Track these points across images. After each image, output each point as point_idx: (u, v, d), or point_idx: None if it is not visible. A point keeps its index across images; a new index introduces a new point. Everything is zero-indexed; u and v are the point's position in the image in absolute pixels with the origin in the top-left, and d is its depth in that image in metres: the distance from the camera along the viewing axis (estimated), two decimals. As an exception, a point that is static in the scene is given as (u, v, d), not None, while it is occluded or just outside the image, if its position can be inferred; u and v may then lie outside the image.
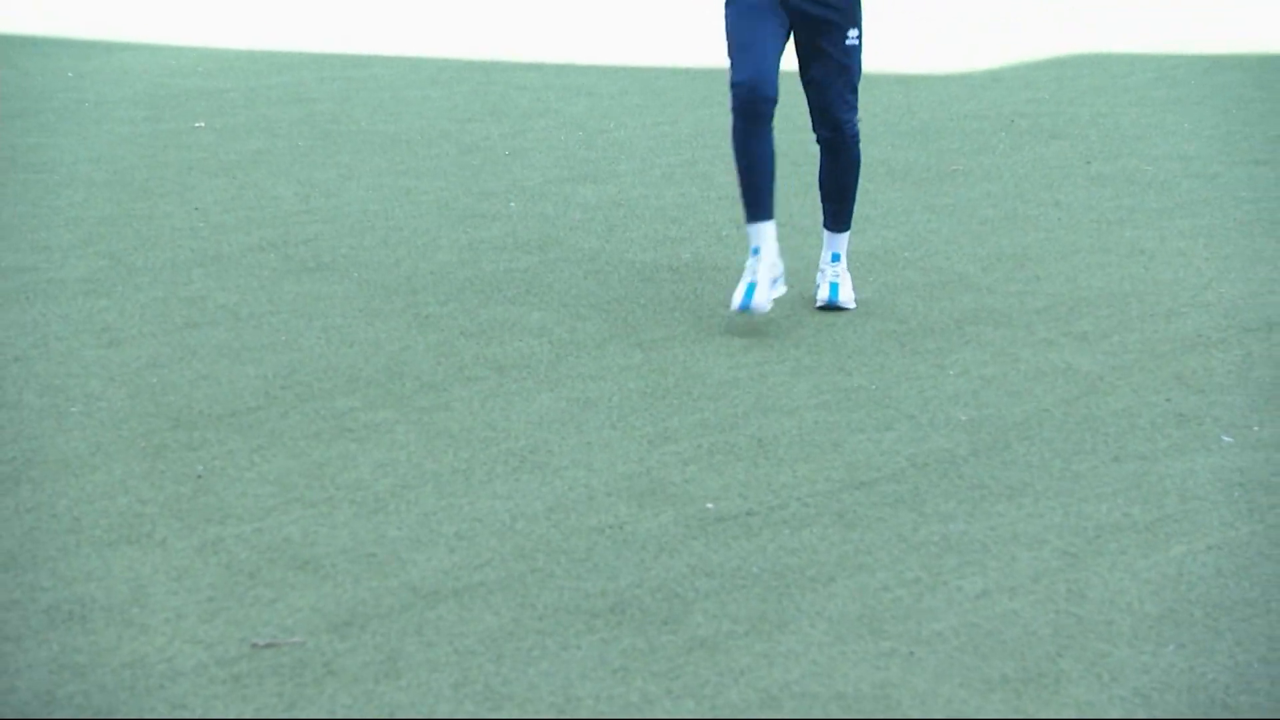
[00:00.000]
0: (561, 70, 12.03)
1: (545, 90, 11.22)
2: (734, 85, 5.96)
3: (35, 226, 7.84)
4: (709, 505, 4.58)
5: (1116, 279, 6.55)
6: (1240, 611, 3.90)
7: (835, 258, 6.28)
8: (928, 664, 3.71)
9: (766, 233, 6.00)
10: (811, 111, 6.16)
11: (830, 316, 6.20)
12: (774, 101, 5.94)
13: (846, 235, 6.33)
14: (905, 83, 11.19)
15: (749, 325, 6.04)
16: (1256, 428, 5.00)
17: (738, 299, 5.97)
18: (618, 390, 5.50)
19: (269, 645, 3.85)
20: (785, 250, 6.20)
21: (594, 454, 4.97)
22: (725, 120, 9.58)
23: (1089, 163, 8.54)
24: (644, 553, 4.29)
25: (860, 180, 6.25)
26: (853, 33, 6.04)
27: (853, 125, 6.12)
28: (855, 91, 6.13)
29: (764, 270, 5.96)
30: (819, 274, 6.30)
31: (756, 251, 6.00)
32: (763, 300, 5.92)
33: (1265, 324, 5.94)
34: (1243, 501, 4.49)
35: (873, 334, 6.00)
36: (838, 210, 6.30)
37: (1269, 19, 13.21)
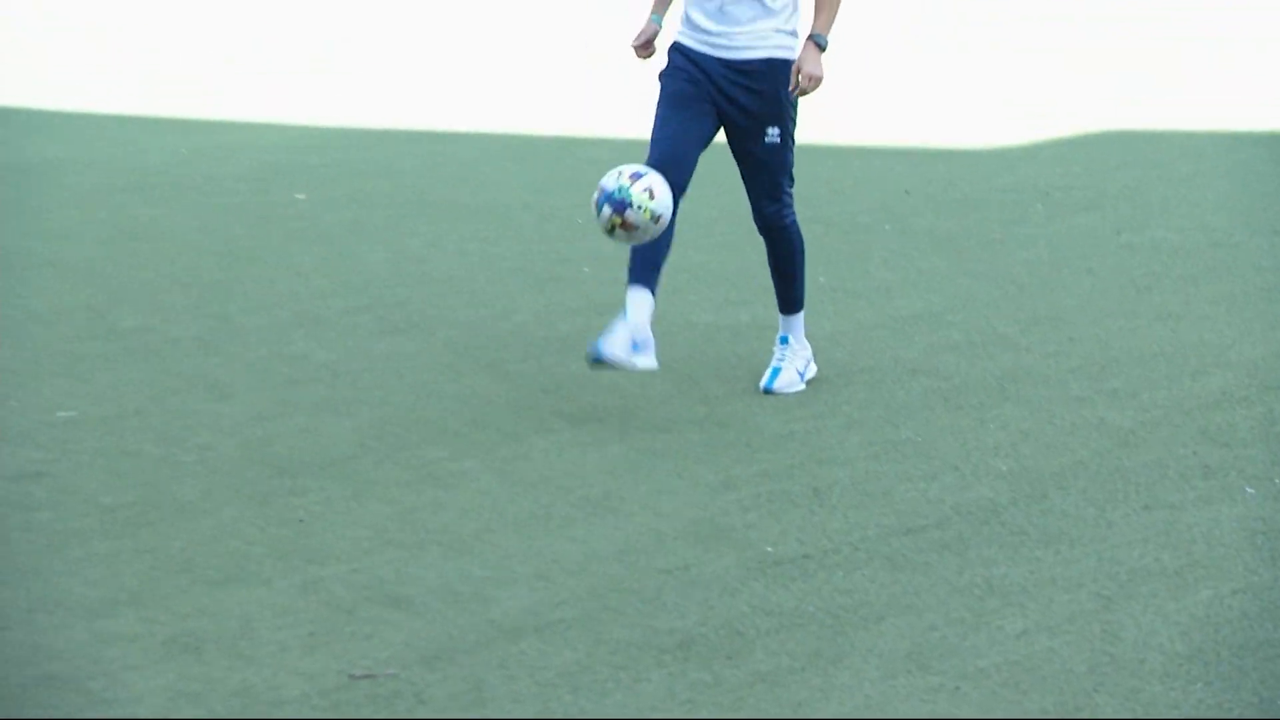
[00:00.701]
0: (631, 145, 12.03)
1: (619, 162, 11.22)
2: (648, 160, 5.83)
3: (152, 290, 7.90)
4: (768, 549, 4.58)
5: (1145, 340, 6.52)
6: (1265, 651, 3.87)
7: (783, 340, 6.04)
8: (972, 698, 3.70)
9: (639, 300, 5.77)
10: (751, 208, 6.00)
11: (879, 374, 6.18)
12: (680, 189, 5.74)
13: (797, 317, 6.06)
14: (947, 157, 11.18)
15: (809, 388, 6.05)
16: (1278, 480, 4.96)
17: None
18: (682, 442, 5.50)
19: (365, 677, 3.87)
20: (835, 312, 6.19)
21: (661, 500, 4.98)
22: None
23: (1119, 233, 8.50)
24: (708, 593, 4.29)
25: (805, 264, 6.01)
26: (773, 131, 5.80)
27: (782, 217, 5.90)
28: (782, 185, 5.89)
29: (625, 331, 5.70)
30: (617, 322, 5.80)
31: (780, 342, 6.04)
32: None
33: (1285, 383, 5.92)
34: (1266, 549, 4.46)
35: (919, 390, 5.99)
36: (784, 294, 6.06)
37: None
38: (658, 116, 5.87)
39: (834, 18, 5.80)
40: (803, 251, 6.01)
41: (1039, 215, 9.02)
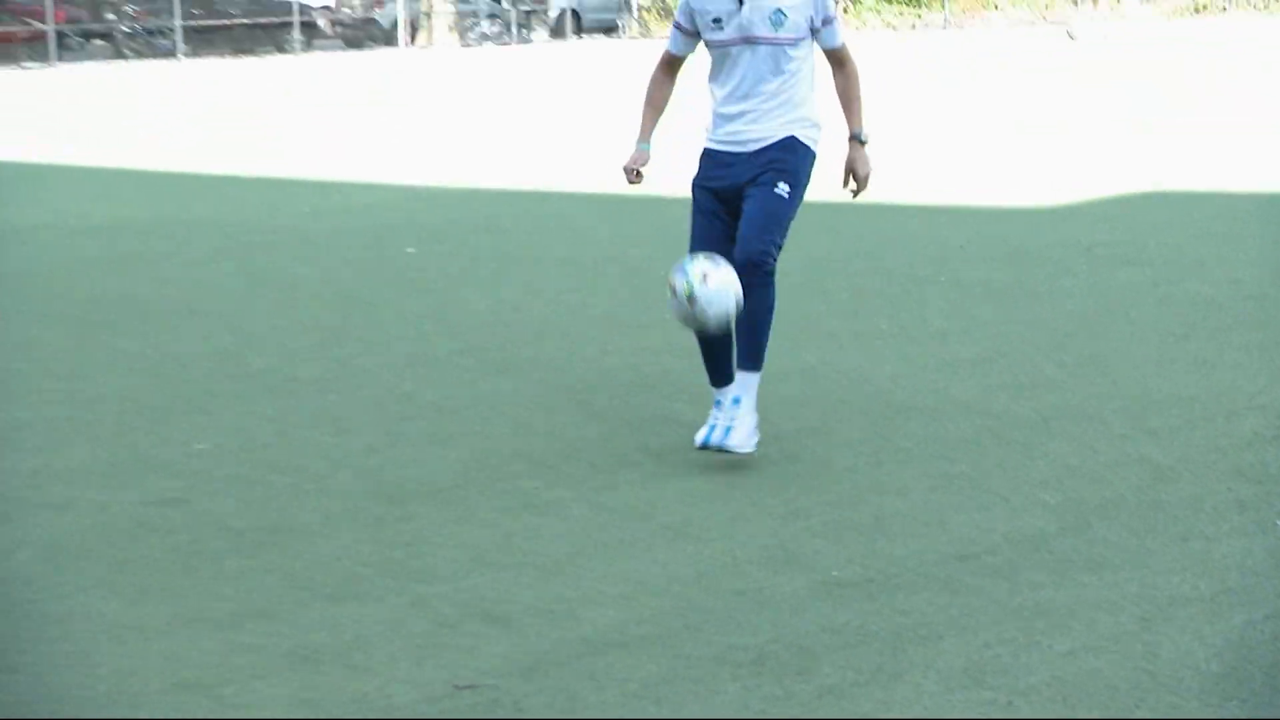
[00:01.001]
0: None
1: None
2: None
3: (279, 335, 7.99)
4: (834, 573, 4.56)
5: (1182, 385, 6.46)
6: (1293, 672, 3.82)
7: (736, 401, 5.55)
8: (1023, 712, 3.66)
9: (725, 394, 5.59)
10: (736, 244, 5.55)
11: (935, 412, 6.15)
12: None
13: (756, 378, 5.60)
14: (999, 216, 11.15)
15: (870, 421, 6.02)
16: (1305, 513, 4.91)
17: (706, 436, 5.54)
18: (755, 474, 5.49)
19: (468, 687, 3.87)
20: (895, 355, 6.16)
21: (735, 528, 4.97)
22: (843, 245, 9.61)
23: (1156, 285, 8.45)
24: (779, 612, 4.28)
25: (773, 323, 5.59)
26: (783, 186, 5.55)
27: (766, 259, 5.50)
28: (775, 231, 5.55)
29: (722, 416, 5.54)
30: (713, 412, 5.59)
31: (719, 404, 5.61)
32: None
33: (1312, 424, 5.85)
34: (1295, 577, 4.41)
35: (971, 428, 5.96)
36: (749, 345, 5.57)
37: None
38: (697, 225, 5.70)
39: (862, 108, 5.75)
40: (773, 310, 5.58)
41: (1083, 269, 8.98)
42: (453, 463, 5.73)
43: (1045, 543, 4.74)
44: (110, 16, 42.74)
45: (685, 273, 5.38)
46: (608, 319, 8.13)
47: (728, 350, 5.62)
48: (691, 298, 5.34)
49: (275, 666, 4.00)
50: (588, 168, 14.83)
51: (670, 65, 5.87)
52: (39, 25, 39.62)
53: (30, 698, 3.88)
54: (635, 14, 46.16)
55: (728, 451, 5.49)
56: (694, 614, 4.27)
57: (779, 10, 5.51)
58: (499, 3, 47.76)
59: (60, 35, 39.74)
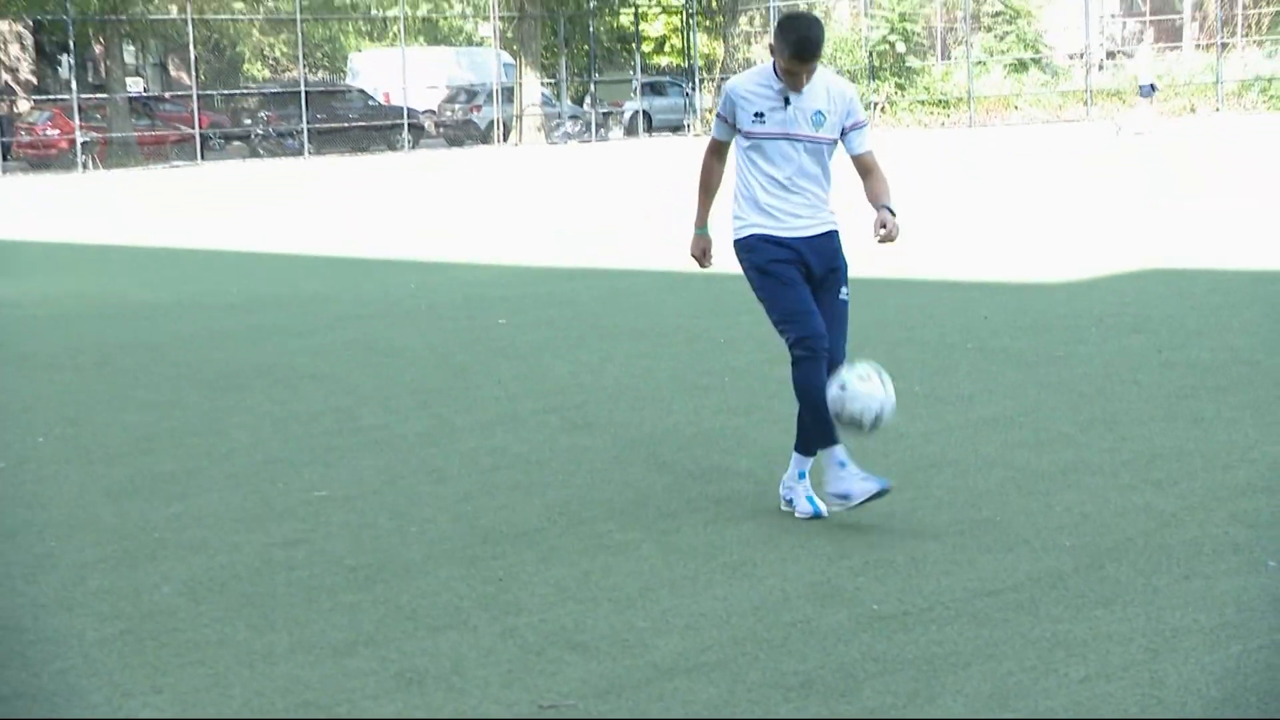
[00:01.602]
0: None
1: (751, 296, 11.25)
2: (800, 338, 5.34)
3: (387, 395, 8.04)
4: (874, 606, 4.52)
5: (1183, 440, 6.38)
6: (1286, 698, 3.75)
7: (801, 475, 5.51)
8: (1043, 733, 3.61)
9: (843, 452, 5.41)
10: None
11: (963, 465, 6.10)
12: (825, 348, 5.37)
13: (813, 458, 5.51)
14: (1020, 290, 11.08)
15: (905, 472, 5.98)
16: (1295, 555, 4.82)
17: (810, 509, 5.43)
18: (804, 519, 5.46)
19: (551, 707, 3.86)
20: (926, 415, 6.11)
21: (788, 566, 4.94)
22: (880, 316, 9.55)
23: (1160, 351, 8.36)
24: (825, 642, 4.24)
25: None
26: (845, 290, 5.46)
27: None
28: (845, 338, 5.47)
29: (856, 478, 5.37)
30: (788, 491, 5.53)
31: (803, 475, 5.49)
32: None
33: (1300, 475, 5.76)
34: (1286, 612, 4.33)
35: (996, 479, 5.90)
36: (812, 436, 5.49)
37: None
38: (786, 294, 5.39)
39: (891, 193, 5.49)
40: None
41: (1095, 337, 8.90)
42: (538, 508, 5.73)
43: (1062, 581, 4.68)
44: (247, 121, 43.45)
45: (878, 415, 5.23)
46: (673, 382, 8.13)
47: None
48: (878, 419, 5.23)
49: (384, 688, 4.01)
50: (656, 248, 14.89)
51: (718, 151, 5.64)
52: (187, 129, 40.30)
53: (172, 714, 3.90)
54: (699, 115, 46.40)
55: (824, 517, 5.38)
56: (750, 643, 4.25)
57: (819, 111, 5.34)
58: (580, 106, 48.15)
59: (204, 138, 40.41)
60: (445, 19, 51.90)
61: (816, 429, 5.40)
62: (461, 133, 46.06)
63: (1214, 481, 5.73)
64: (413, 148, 42.77)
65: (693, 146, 39.22)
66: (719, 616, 4.47)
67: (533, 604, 4.64)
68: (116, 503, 6.02)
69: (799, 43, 5.21)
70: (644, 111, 47.37)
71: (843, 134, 5.42)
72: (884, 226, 5.31)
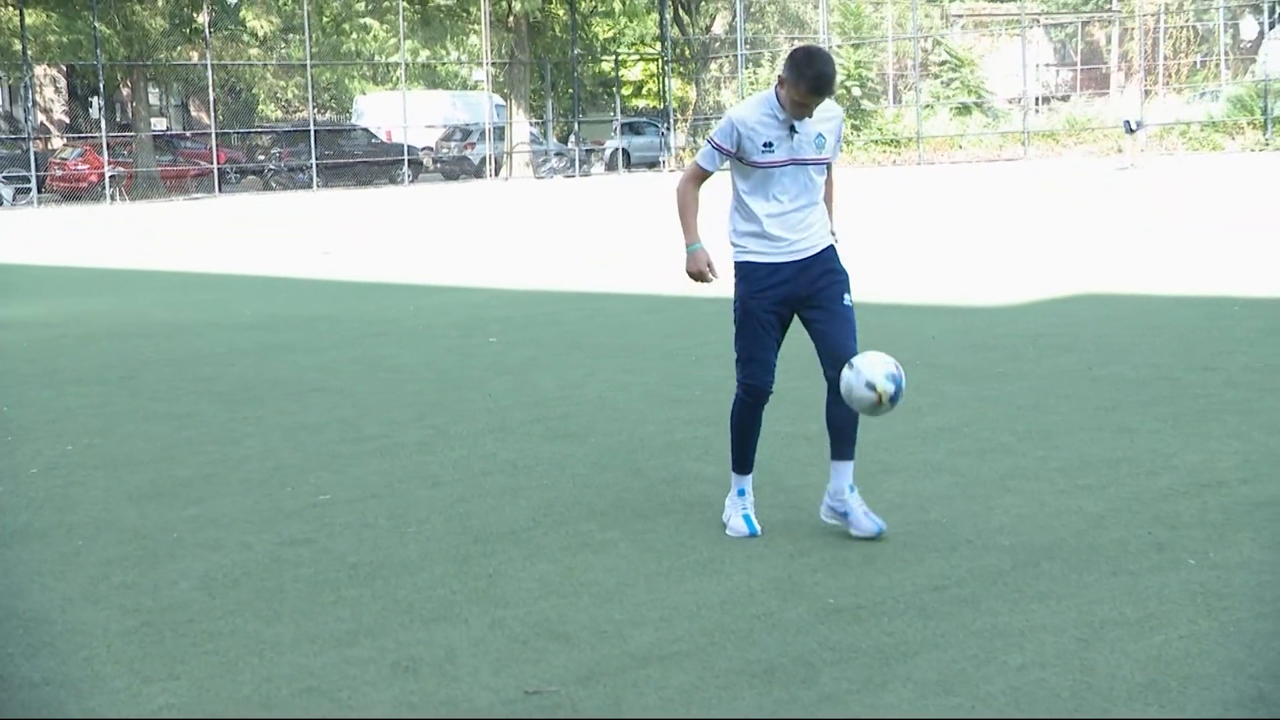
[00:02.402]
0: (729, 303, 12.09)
1: (722, 315, 11.22)
2: (747, 384, 5.25)
3: (387, 408, 8.01)
4: (831, 600, 4.51)
5: (1111, 449, 6.39)
6: (1204, 683, 3.74)
7: (851, 488, 5.20)
8: (985, 716, 3.60)
9: (749, 481, 5.35)
10: (820, 356, 5.22)
11: (912, 472, 6.11)
12: (769, 396, 5.29)
13: (853, 464, 5.28)
14: (964, 312, 11.10)
15: (860, 478, 5.97)
16: (1211, 554, 4.82)
17: (744, 528, 5.22)
18: (769, 519, 5.45)
19: (536, 692, 3.84)
20: (877, 425, 6.10)
21: (753, 563, 4.93)
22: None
23: (1090, 368, 8.38)
24: (787, 633, 4.23)
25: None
26: (847, 298, 5.18)
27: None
28: (855, 342, 5.14)
29: (750, 505, 5.30)
30: (839, 504, 5.20)
31: (743, 493, 5.33)
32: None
33: (1216, 481, 5.75)
34: (1203, 605, 4.32)
35: (943, 485, 5.90)
36: (847, 441, 5.27)
37: (1216, 271, 12.97)
38: (755, 339, 5.20)
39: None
40: None
41: (1032, 355, 8.92)
42: (525, 510, 5.71)
43: (1001, 577, 4.67)
44: (261, 157, 43.36)
45: (895, 379, 4.90)
46: (649, 395, 8.12)
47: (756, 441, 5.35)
48: (881, 401, 4.91)
49: (382, 675, 3.98)
50: (634, 273, 14.89)
51: (699, 179, 5.25)
52: (206, 164, 40.19)
53: (188, 699, 3.87)
54: (673, 152, 46.45)
55: (880, 536, 5.10)
56: (718, 634, 4.23)
57: (820, 135, 5.12)
58: (565, 144, 48.17)
59: (222, 172, 40.30)
60: (443, 65, 51.93)
61: (733, 453, 5.37)
62: (457, 168, 46.04)
63: (1139, 486, 5.74)
64: (412, 182, 42.72)
65: (668, 181, 39.25)
66: (689, 609, 4.46)
67: (519, 597, 4.62)
68: (139, 505, 5.98)
69: (816, 79, 4.94)
70: (623, 149, 47.42)
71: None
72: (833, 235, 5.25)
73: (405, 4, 43.17)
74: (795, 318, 5.25)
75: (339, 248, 20.30)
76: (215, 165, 39.74)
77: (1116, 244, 15.83)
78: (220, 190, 39.30)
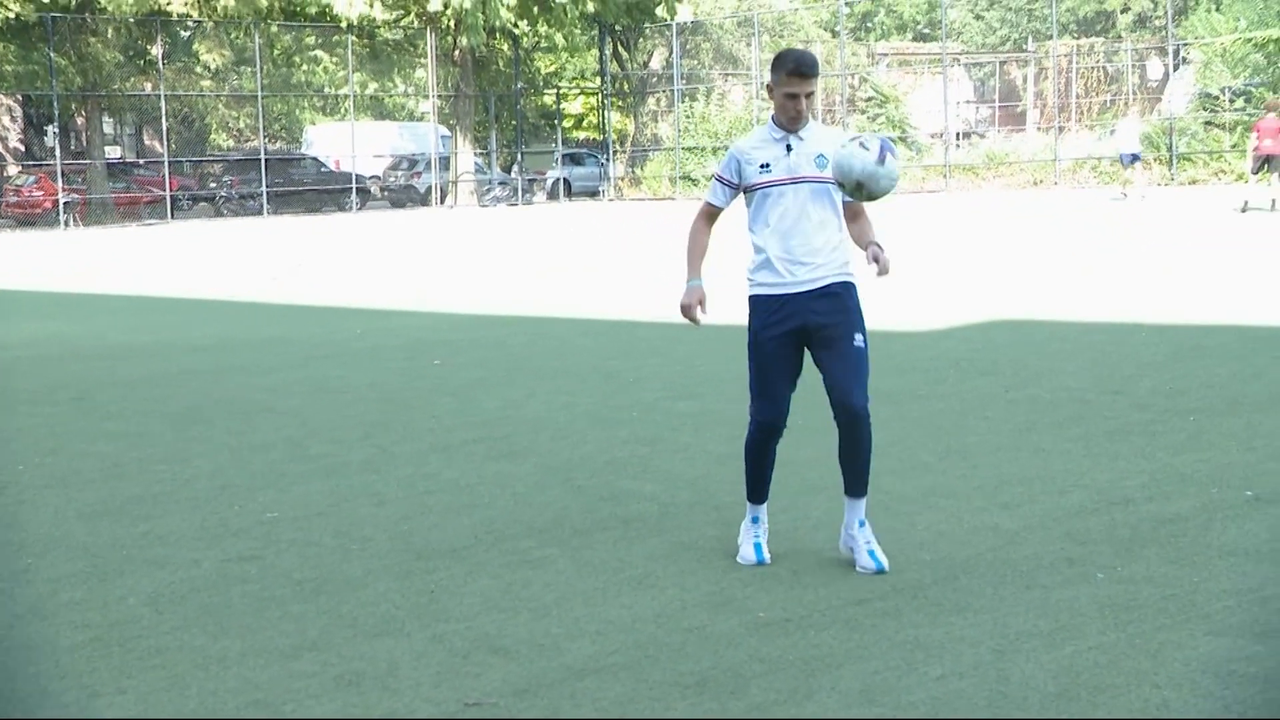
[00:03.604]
0: (668, 326, 12.11)
1: (657, 339, 11.29)
2: (757, 420, 5.07)
3: (333, 428, 7.94)
4: (761, 614, 4.52)
5: (1026, 468, 6.46)
6: (1112, 692, 3.78)
7: (862, 523, 5.03)
8: (905, 724, 3.62)
9: (764, 510, 5.19)
10: (829, 397, 4.98)
11: (839, 490, 6.12)
12: (782, 431, 5.11)
13: (865, 500, 5.08)
14: (888, 338, 11.17)
15: (788, 495, 5.99)
16: (1119, 569, 4.88)
17: (753, 556, 5.05)
18: (702, 537, 5.46)
19: (475, 705, 3.81)
20: (810, 446, 6.14)
21: (686, 578, 4.92)
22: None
23: (1007, 391, 8.47)
24: (718, 645, 4.23)
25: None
26: (859, 337, 4.95)
27: (868, 415, 4.96)
28: (867, 384, 4.96)
29: (763, 533, 5.15)
30: (849, 538, 5.03)
31: (756, 520, 5.15)
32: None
33: (1124, 499, 5.82)
34: (1111, 618, 4.36)
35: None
36: (862, 478, 5.04)
37: (1122, 296, 13.16)
38: (765, 373, 5.00)
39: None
40: (872, 445, 5.06)
41: (952, 378, 9.00)
42: (467, 528, 5.68)
43: (922, 591, 4.70)
44: (213, 185, 42.94)
45: (890, 150, 4.71)
46: (588, 415, 8.10)
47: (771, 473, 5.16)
48: (881, 161, 4.66)
49: (326, 689, 3.94)
50: (575, 297, 14.88)
51: (710, 217, 5.11)
52: (159, 191, 39.75)
53: (135, 713, 3.80)
54: (612, 182, 46.54)
55: (884, 571, 4.90)
56: (652, 647, 4.23)
57: (821, 155, 4.91)
58: (508, 173, 48.12)
59: (174, 199, 39.89)
60: (390, 97, 51.76)
61: (748, 482, 5.18)
62: (403, 196, 45.85)
63: (1051, 504, 5.80)
64: (360, 209, 42.48)
65: (607, 210, 39.31)
66: (625, 623, 4.45)
67: (460, 612, 4.59)
68: (89, 523, 5.88)
69: (797, 60, 4.81)
70: (564, 179, 47.44)
71: None
72: (876, 260, 4.91)
73: (354, 38, 43.02)
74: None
75: (288, 273, 20.15)
76: (168, 192, 39.31)
77: (1034, 272, 16.02)
78: (173, 217, 38.87)
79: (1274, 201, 24.00)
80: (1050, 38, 45.26)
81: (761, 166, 4.95)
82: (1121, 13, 52.79)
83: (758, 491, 5.19)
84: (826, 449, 6.80)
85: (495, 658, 4.15)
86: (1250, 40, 36.06)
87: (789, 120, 4.92)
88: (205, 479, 6.68)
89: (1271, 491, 5.84)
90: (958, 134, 46.46)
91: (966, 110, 55.08)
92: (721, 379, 9.21)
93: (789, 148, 4.93)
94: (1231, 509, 5.59)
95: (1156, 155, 36.11)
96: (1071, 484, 6.12)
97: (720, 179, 5.06)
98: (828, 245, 4.97)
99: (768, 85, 4.96)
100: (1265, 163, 24.11)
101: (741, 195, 5.06)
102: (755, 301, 5.05)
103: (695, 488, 6.25)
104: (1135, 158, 29.89)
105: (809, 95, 4.89)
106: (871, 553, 4.97)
